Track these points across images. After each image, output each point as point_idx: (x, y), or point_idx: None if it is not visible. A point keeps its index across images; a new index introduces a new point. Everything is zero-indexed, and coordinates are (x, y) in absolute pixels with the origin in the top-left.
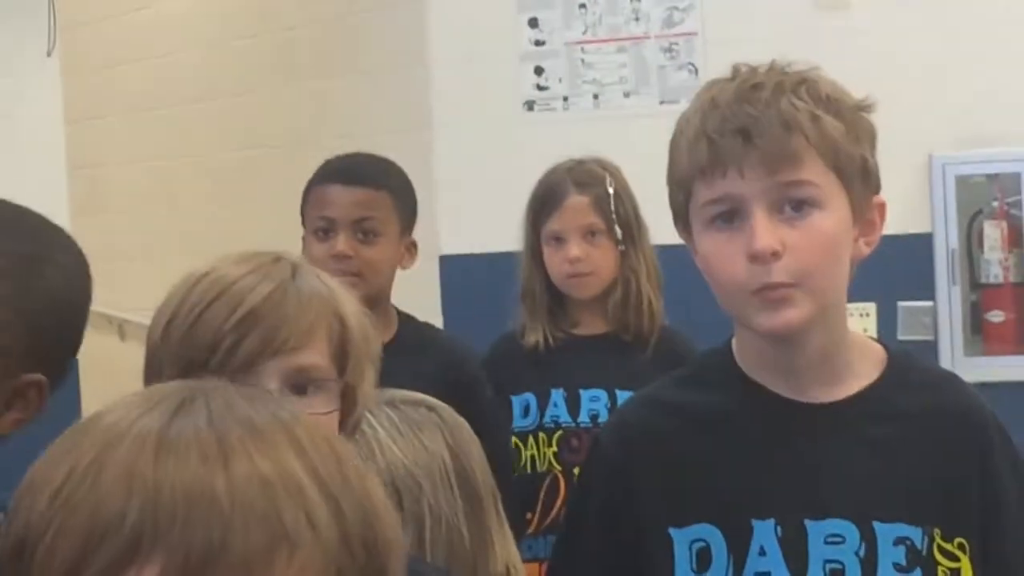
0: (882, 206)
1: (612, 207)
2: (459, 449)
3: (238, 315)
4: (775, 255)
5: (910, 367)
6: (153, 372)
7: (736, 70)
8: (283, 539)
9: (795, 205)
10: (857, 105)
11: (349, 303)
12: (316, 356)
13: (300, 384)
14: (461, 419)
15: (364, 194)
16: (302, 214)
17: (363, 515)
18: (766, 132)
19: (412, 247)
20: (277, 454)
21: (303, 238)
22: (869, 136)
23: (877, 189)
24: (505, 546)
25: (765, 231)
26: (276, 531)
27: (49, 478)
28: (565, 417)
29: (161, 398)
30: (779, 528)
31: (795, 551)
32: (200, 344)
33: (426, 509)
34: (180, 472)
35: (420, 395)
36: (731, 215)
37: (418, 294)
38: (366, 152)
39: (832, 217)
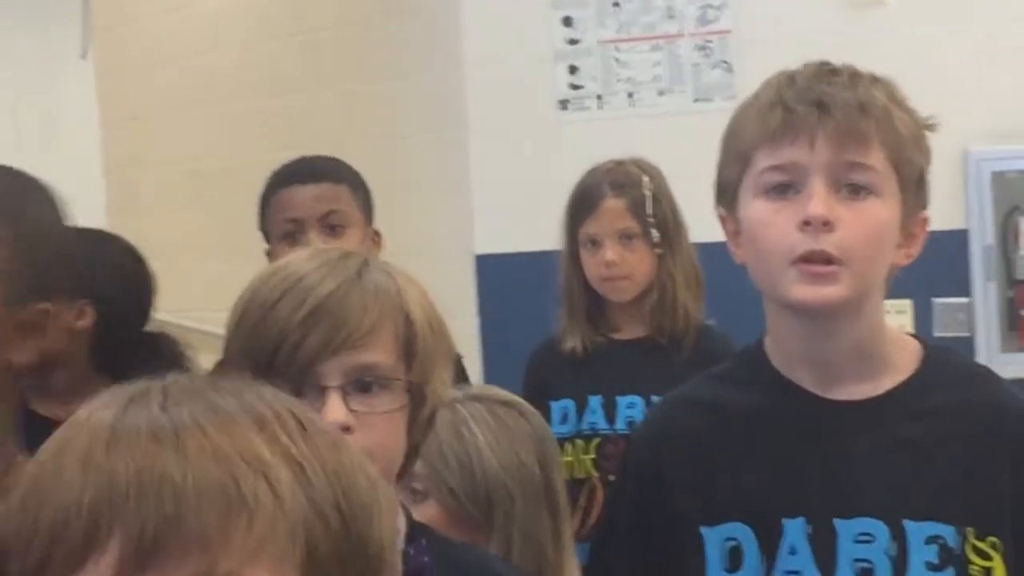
0: (925, 221)
1: (649, 210)
2: (546, 461)
3: (302, 312)
4: (827, 225)
5: (944, 363)
6: (227, 367)
7: (809, 63)
8: (240, 507)
9: (852, 188)
10: (924, 122)
11: (417, 299)
12: (380, 354)
13: (364, 382)
14: (547, 426)
15: (325, 189)
16: (262, 228)
17: (336, 482)
18: (842, 108)
19: (376, 236)
20: (236, 429)
21: (266, 253)
22: (927, 151)
23: (926, 205)
24: (573, 559)
25: (822, 200)
26: (232, 499)
27: (23, 479)
28: (602, 424)
29: (120, 393)
30: (809, 527)
31: (824, 550)
32: (266, 340)
33: (515, 526)
34: (132, 453)
35: (510, 395)
36: (786, 187)
37: (453, 294)
38: (313, 154)
39: (885, 208)
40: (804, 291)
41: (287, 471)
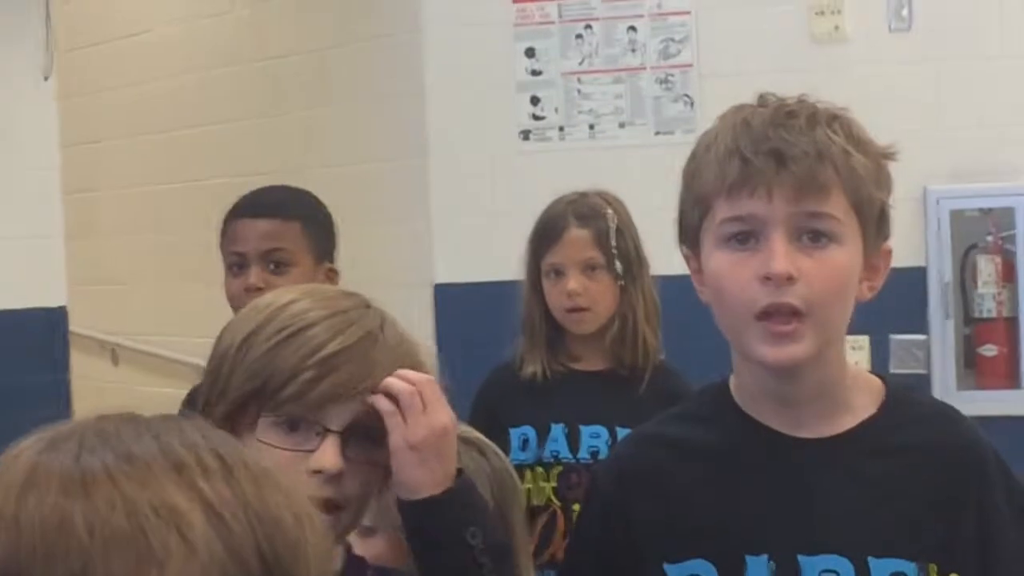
0: (888, 253)
1: (613, 242)
2: (505, 500)
3: (328, 351)
4: (790, 280)
5: (908, 401)
6: (220, 378)
7: (764, 99)
8: (150, 559)
9: (813, 236)
10: (883, 152)
11: (427, 355)
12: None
13: (365, 430)
14: (507, 463)
15: (270, 225)
16: (221, 250)
17: (257, 525)
18: (800, 158)
19: (332, 273)
20: (149, 477)
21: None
22: (888, 184)
23: (887, 236)
24: None
25: (783, 256)
26: (142, 553)
27: None
28: (565, 452)
29: (40, 437)
30: (772, 564)
31: None
32: (280, 367)
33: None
34: (40, 507)
35: (469, 432)
36: (747, 236)
37: (412, 323)
38: (280, 184)
39: (847, 254)
40: (768, 351)
41: (201, 519)
